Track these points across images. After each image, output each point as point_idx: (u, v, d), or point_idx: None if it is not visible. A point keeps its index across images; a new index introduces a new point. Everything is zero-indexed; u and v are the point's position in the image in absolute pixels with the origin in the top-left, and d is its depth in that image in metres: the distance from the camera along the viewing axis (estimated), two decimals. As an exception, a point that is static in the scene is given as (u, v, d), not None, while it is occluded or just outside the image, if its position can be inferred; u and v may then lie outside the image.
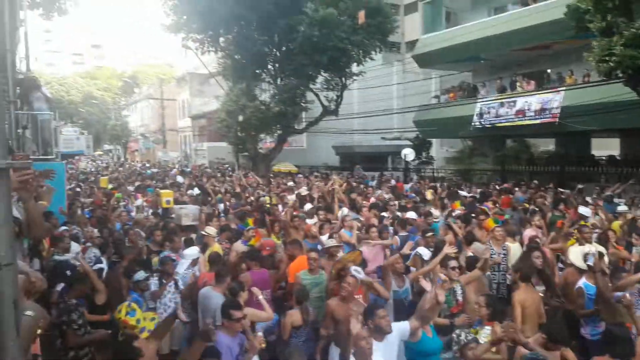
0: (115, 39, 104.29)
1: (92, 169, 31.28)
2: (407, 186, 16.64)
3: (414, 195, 13.67)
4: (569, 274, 6.32)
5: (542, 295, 5.88)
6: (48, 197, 4.11)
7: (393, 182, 17.76)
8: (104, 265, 6.68)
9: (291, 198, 12.02)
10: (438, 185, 15.35)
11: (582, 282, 5.79)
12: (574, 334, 5.42)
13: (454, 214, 9.41)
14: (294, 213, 9.25)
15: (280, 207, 11.09)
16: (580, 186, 12.87)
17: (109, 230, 8.79)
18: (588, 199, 11.33)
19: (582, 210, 9.08)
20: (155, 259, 7.17)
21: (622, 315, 5.17)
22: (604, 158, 20.85)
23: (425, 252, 6.35)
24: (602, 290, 5.49)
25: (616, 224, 8.97)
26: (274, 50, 25.47)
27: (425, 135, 25.40)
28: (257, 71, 25.98)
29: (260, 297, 5.46)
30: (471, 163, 21.75)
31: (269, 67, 26.17)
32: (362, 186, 15.78)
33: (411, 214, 9.19)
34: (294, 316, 5.35)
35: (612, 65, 11.64)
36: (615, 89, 13.79)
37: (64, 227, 8.03)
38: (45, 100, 10.74)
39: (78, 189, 15.62)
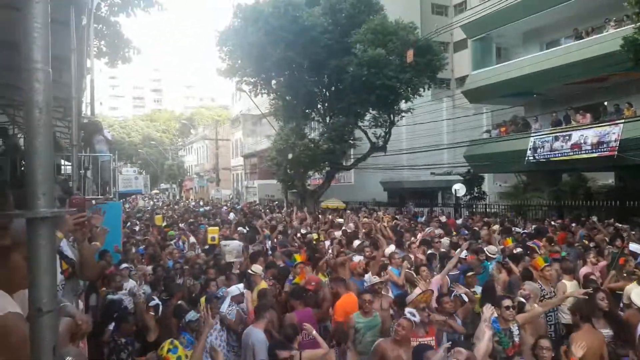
0: (175, 83, 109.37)
1: (149, 208, 32.50)
2: (458, 222, 16.27)
3: (466, 231, 13.33)
4: (630, 316, 5.91)
5: (607, 339, 5.51)
6: (102, 237, 4.31)
7: (444, 218, 17.40)
8: (158, 301, 6.70)
9: (338, 234, 12.01)
10: (491, 221, 14.90)
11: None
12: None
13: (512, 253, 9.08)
14: (341, 250, 9.24)
15: (327, 243, 11.10)
16: None
17: (162, 267, 9.01)
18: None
19: (633, 247, 8.56)
20: (202, 299, 7.25)
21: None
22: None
23: (464, 295, 6.15)
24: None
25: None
26: (324, 90, 26.17)
27: (477, 170, 24.89)
28: (307, 111, 26.74)
29: (314, 332, 5.33)
30: (525, 198, 21.04)
31: (319, 106, 26.86)
32: (411, 222, 15.57)
33: (460, 253, 8.93)
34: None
35: (676, 96, 11.15)
36: None
37: (124, 265, 8.30)
38: (106, 143, 11.40)
39: (135, 228, 16.26)
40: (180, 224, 17.25)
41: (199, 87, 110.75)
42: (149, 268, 8.98)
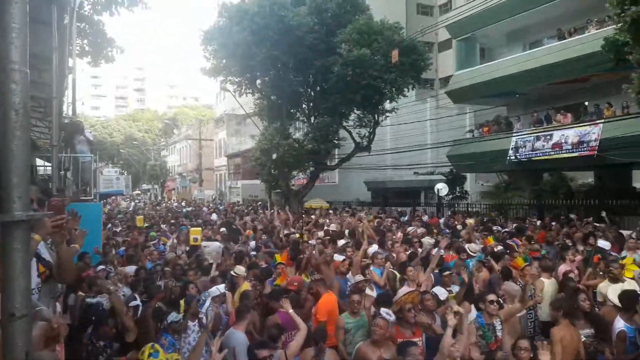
0: (158, 82, 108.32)
1: (131, 209, 32.19)
2: (440, 221, 16.41)
3: (447, 230, 13.45)
4: (606, 313, 6.04)
5: (589, 339, 5.62)
6: (80, 240, 4.26)
7: (426, 217, 17.53)
8: (139, 302, 6.68)
9: (321, 234, 12.03)
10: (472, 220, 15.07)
11: (623, 324, 5.48)
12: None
13: (494, 251, 9.21)
14: (324, 249, 9.25)
15: (312, 242, 11.10)
16: (603, 214, 12.42)
17: (143, 269, 8.92)
18: (627, 232, 10.87)
19: (601, 243, 8.79)
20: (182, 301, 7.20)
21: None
22: (645, 190, 20.05)
23: (441, 292, 6.23)
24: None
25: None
26: (309, 89, 26.20)
27: (460, 169, 25.13)
28: (292, 110, 26.76)
29: (290, 311, 5.48)
30: (507, 197, 21.31)
31: (303, 106, 26.88)
32: (394, 222, 15.65)
33: (439, 252, 9.04)
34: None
35: (654, 97, 11.39)
36: None
37: (101, 267, 8.19)
38: (88, 143, 11.27)
39: (116, 229, 16.09)
40: (162, 225, 17.11)
41: (183, 86, 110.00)
42: (130, 269, 8.89)
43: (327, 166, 27.75)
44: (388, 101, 24.70)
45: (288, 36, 22.34)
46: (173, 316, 5.96)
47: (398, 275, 7.82)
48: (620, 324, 5.49)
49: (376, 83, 22.41)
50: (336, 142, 26.03)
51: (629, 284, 6.48)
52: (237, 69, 25.11)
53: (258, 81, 26.53)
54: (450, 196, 24.51)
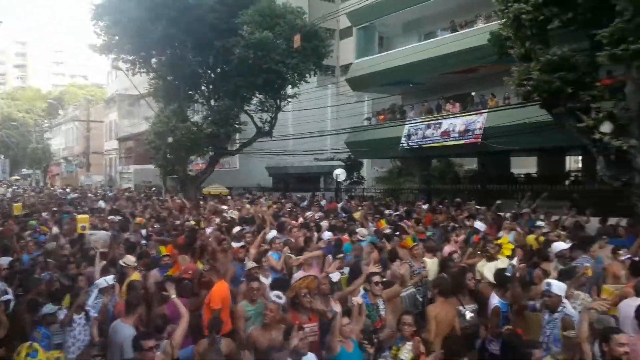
0: (42, 58, 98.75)
1: (8, 196, 29.28)
2: (338, 206, 16.79)
3: (344, 214, 13.80)
4: (483, 289, 6.53)
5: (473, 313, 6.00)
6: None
7: (323, 202, 17.85)
8: (10, 296, 6.24)
9: (219, 221, 11.77)
10: (365, 204, 15.61)
11: (497, 300, 5.89)
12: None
13: (383, 233, 9.58)
14: (221, 237, 9.06)
15: (208, 230, 10.88)
16: (498, 202, 13.43)
17: (18, 260, 8.21)
18: (506, 214, 11.90)
19: (478, 225, 9.56)
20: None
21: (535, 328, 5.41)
22: (522, 176, 22.02)
23: (334, 275, 6.37)
24: (519, 303, 5.69)
25: (531, 238, 9.42)
26: (209, 71, 25.28)
27: (357, 156, 25.83)
28: (190, 92, 25.67)
29: (173, 296, 5.44)
30: (399, 182, 22.30)
31: (203, 88, 25.91)
32: (294, 207, 15.75)
33: (327, 234, 9.31)
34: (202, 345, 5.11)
35: (530, 89, 12.24)
36: (532, 111, 14.46)
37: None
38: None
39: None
40: (42, 214, 15.69)
41: (70, 63, 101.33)
42: (4, 261, 8.12)
43: (228, 151, 27.16)
44: (290, 86, 24.61)
45: (187, 14, 21.33)
46: (48, 308, 5.66)
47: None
48: (495, 299, 5.90)
49: (278, 67, 22.17)
50: (237, 126, 25.46)
51: (502, 263, 7.05)
52: (131, 47, 23.67)
53: (154, 60, 25.14)
54: (348, 181, 25.18)
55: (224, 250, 8.13)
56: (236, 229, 10.06)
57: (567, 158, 22.04)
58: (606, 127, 10.86)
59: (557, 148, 18.77)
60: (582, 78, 11.47)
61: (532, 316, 5.63)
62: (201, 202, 17.75)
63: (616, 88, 11.49)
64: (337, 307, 5.18)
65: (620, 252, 7.25)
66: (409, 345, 4.86)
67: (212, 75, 25.34)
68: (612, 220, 11.00)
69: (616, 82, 11.82)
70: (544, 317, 5.35)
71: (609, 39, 10.01)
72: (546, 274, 6.32)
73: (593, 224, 11.16)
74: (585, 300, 5.66)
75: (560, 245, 7.37)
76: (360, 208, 13.97)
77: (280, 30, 21.97)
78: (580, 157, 20.41)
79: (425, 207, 14.70)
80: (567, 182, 19.41)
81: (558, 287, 5.26)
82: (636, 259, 6.74)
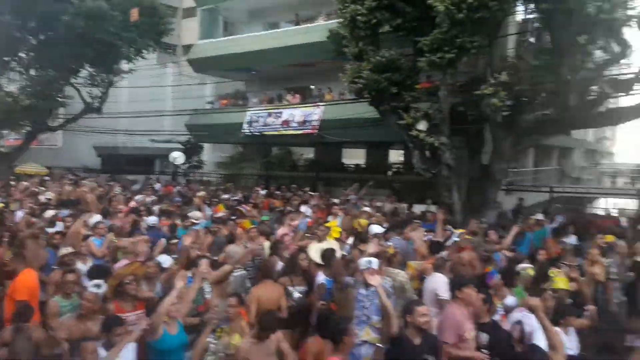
0: None
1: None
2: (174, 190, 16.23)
3: (179, 199, 13.40)
4: (310, 268, 6.93)
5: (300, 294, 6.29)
6: None
7: (158, 185, 17.11)
8: None
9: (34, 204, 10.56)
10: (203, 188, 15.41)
11: (323, 277, 6.30)
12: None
13: (216, 217, 9.56)
14: (32, 221, 8.14)
15: (20, 214, 9.75)
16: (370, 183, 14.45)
17: None
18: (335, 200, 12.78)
19: (302, 209, 10.31)
20: None
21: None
22: (352, 166, 23.80)
23: (164, 259, 6.23)
24: (340, 281, 6.15)
25: (356, 222, 10.25)
26: (29, 37, 22.34)
27: (198, 139, 25.20)
28: (5, 59, 22.51)
29: None
30: (240, 168, 22.39)
31: (21, 55, 22.94)
32: (125, 190, 14.80)
33: (152, 219, 9.12)
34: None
35: (361, 87, 13.19)
36: (363, 107, 15.46)
37: None
38: None
39: None
40: None
41: None
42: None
43: (49, 127, 24.36)
44: (125, 61, 23.05)
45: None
46: None
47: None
48: (321, 277, 6.35)
49: (112, 40, 20.59)
50: (61, 99, 23.01)
51: (329, 244, 7.55)
52: None
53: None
54: (187, 165, 24.47)
55: (34, 236, 7.29)
56: (50, 212, 9.12)
57: (392, 152, 24.20)
58: (422, 126, 12.26)
59: (383, 142, 20.58)
60: (405, 80, 12.75)
61: (348, 292, 6.15)
62: (13, 182, 15.63)
63: (432, 91, 13.01)
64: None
65: (426, 233, 8.31)
66: (233, 326, 4.96)
67: (34, 42, 22.45)
68: (423, 207, 12.52)
69: (432, 86, 13.39)
70: (361, 292, 5.84)
71: (429, 47, 11.24)
72: (362, 254, 6.93)
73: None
74: (401, 275, 6.42)
75: (376, 228, 8.20)
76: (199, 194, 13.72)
77: (117, 1, 20.36)
78: (402, 152, 22.55)
79: (263, 192, 15.00)
80: (389, 173, 21.44)
81: (375, 263, 5.81)
82: (435, 239, 7.78)
